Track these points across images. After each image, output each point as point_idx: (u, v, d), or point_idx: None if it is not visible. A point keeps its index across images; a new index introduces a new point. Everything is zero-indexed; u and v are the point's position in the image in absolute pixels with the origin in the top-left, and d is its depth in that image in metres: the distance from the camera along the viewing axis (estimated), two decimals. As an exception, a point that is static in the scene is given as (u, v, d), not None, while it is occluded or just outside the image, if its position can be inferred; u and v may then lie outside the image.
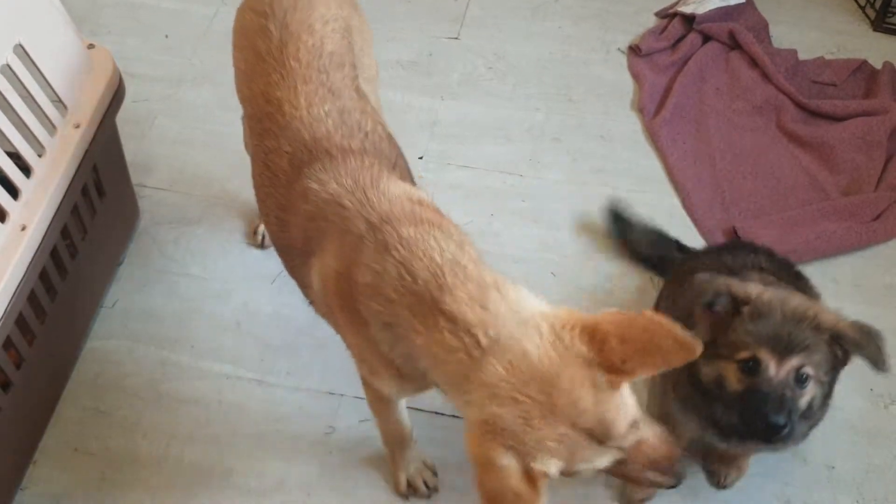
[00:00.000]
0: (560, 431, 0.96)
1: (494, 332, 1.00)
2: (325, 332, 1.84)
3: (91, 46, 1.69)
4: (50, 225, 1.50)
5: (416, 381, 1.18)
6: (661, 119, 2.24)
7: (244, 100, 1.43)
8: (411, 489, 1.61)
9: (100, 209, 1.76)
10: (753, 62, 2.37)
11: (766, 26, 2.48)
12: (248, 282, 1.92)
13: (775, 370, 1.25)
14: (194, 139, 2.19)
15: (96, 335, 1.83)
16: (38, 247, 1.47)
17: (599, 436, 0.98)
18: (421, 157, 2.15)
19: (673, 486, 1.11)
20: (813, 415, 1.32)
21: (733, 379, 1.28)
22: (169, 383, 1.76)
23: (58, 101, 1.58)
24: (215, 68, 2.35)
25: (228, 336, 1.83)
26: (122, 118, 1.78)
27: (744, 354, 1.25)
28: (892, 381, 1.78)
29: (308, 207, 1.20)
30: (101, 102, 1.65)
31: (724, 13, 2.45)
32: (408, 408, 1.68)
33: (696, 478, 1.65)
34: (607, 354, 0.98)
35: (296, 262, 1.30)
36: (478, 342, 1.00)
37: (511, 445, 0.97)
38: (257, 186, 1.38)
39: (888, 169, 2.15)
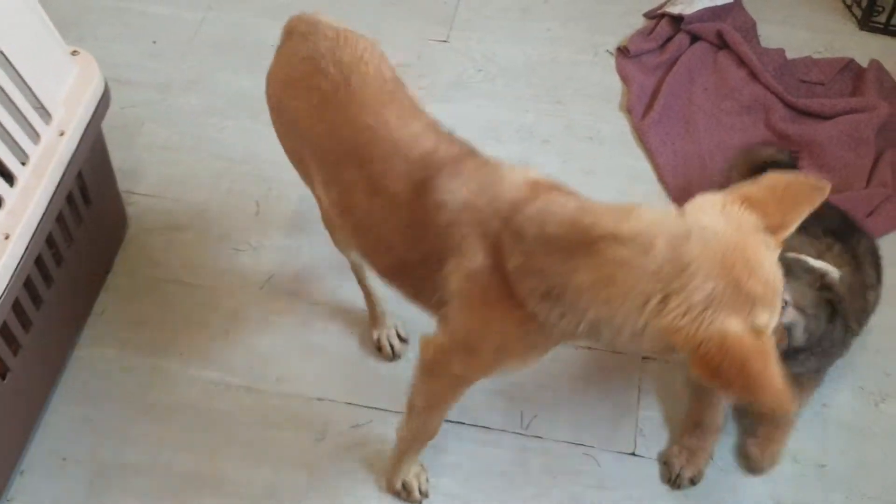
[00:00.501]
0: (761, 289, 1.03)
1: (661, 230, 1.05)
2: (315, 338, 1.84)
3: (75, 53, 1.68)
4: (34, 234, 1.49)
5: (545, 348, 1.26)
6: (649, 120, 2.24)
7: (313, 141, 1.40)
8: (405, 491, 1.60)
9: (86, 217, 1.75)
10: (741, 62, 2.37)
11: (753, 26, 2.49)
12: (237, 288, 1.91)
13: None
14: (183, 145, 2.18)
15: (85, 343, 1.81)
16: (23, 256, 1.46)
17: (778, 291, 1.07)
18: (410, 161, 2.15)
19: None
20: (802, 344, 1.46)
21: None
22: (158, 391, 1.75)
23: (41, 109, 1.57)
24: (203, 74, 2.34)
25: (217, 343, 1.82)
26: (109, 125, 1.77)
27: None
28: (883, 378, 1.78)
29: (446, 216, 1.24)
30: (85, 109, 1.63)
31: (712, 13, 2.45)
32: (394, 411, 1.68)
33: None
34: (771, 217, 1.08)
35: (423, 272, 1.30)
36: (651, 243, 1.04)
37: (732, 312, 1.01)
38: (358, 219, 1.36)
39: (878, 166, 2.15)
